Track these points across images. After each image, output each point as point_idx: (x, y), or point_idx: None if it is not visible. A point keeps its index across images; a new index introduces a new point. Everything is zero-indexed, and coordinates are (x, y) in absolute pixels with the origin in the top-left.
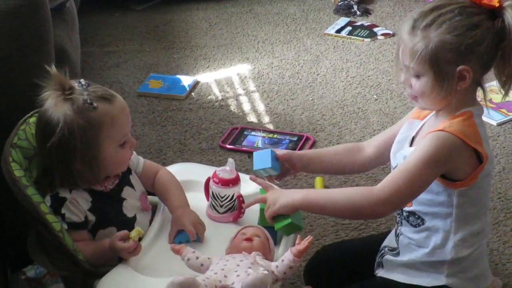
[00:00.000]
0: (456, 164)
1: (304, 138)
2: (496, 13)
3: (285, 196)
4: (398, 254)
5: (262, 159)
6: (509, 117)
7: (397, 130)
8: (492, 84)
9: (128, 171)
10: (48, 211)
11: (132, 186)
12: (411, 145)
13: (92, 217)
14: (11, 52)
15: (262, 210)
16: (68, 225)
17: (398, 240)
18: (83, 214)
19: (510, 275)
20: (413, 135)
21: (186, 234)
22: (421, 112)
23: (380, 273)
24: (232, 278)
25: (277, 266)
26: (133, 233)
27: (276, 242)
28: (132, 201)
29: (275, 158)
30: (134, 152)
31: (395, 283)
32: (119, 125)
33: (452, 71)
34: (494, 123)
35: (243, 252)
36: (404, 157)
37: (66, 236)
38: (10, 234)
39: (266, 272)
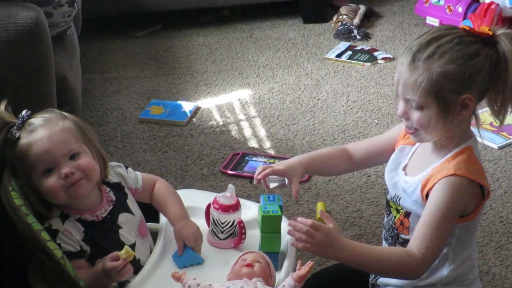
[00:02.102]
0: (466, 204)
1: None
2: (488, 41)
3: (333, 249)
4: None
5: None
6: (510, 141)
7: (380, 143)
8: None
9: (124, 195)
10: (49, 238)
11: (130, 211)
12: (405, 173)
13: (86, 247)
14: (12, 81)
15: (263, 235)
16: (66, 255)
17: None
18: (78, 244)
19: None
20: (406, 162)
21: (191, 256)
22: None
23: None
24: None
25: None
26: (122, 252)
27: (277, 268)
28: (130, 227)
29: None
30: (130, 169)
31: None
32: (33, 155)
33: (455, 100)
34: (495, 146)
35: (244, 278)
36: (404, 189)
37: (68, 263)
38: (10, 262)
39: None
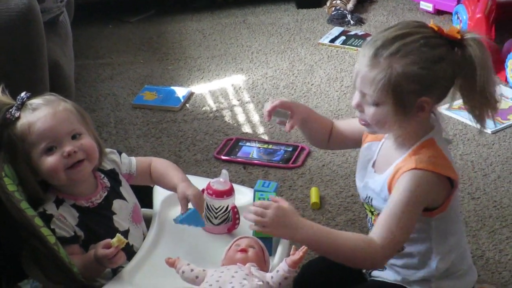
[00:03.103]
0: (434, 196)
1: (299, 148)
2: (456, 44)
3: (288, 228)
4: (385, 268)
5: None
6: (503, 125)
7: (352, 128)
8: None
9: (118, 182)
10: (42, 224)
11: (123, 198)
12: (374, 169)
13: (80, 233)
14: (5, 67)
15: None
16: (59, 240)
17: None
18: (72, 229)
19: (506, 284)
20: (375, 159)
21: (193, 216)
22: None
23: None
24: None
25: (272, 277)
26: (114, 240)
27: (271, 253)
28: (124, 214)
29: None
30: (124, 154)
31: (387, 285)
32: (35, 133)
33: (413, 101)
34: (489, 131)
35: (238, 264)
36: (373, 189)
37: (61, 249)
38: (5, 248)
39: (261, 283)
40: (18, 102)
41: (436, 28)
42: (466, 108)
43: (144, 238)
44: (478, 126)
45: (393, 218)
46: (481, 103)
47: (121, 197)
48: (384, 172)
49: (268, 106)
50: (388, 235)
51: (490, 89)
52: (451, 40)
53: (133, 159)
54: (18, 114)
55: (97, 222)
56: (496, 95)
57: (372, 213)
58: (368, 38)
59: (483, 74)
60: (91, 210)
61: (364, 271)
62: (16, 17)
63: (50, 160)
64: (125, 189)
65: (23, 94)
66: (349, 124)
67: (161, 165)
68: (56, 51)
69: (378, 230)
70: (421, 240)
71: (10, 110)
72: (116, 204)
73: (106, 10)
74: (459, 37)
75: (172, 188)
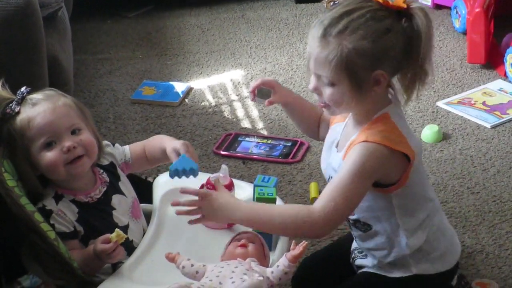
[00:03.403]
0: (386, 171)
1: (299, 143)
2: (402, 14)
3: (225, 212)
4: (366, 256)
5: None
6: (502, 120)
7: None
8: (486, 87)
9: (117, 177)
10: (42, 220)
11: (122, 193)
12: (337, 149)
13: (80, 228)
14: (4, 62)
15: None
16: (59, 235)
17: (360, 245)
18: (71, 224)
19: (506, 278)
20: (338, 139)
21: (184, 160)
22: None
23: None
24: (227, 284)
25: (272, 272)
26: (113, 235)
27: (271, 248)
28: (123, 209)
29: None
30: (117, 144)
31: (372, 275)
32: (35, 127)
33: (367, 76)
34: (488, 125)
35: (238, 259)
36: (333, 168)
37: (61, 244)
38: (5, 243)
39: (261, 278)
40: (18, 97)
41: (381, 1)
42: (397, 77)
43: (144, 234)
44: (404, 96)
45: (338, 188)
46: (415, 73)
47: (120, 192)
48: (342, 150)
49: (251, 86)
50: (329, 204)
51: (429, 60)
52: (398, 11)
53: (126, 147)
54: (18, 109)
55: (96, 217)
56: (431, 68)
57: None
58: (316, 20)
59: (427, 43)
60: (90, 205)
61: (351, 260)
62: (14, 12)
63: (50, 155)
64: (124, 184)
65: (23, 89)
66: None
67: (153, 141)
68: (55, 46)
69: (320, 200)
70: (385, 217)
71: (10, 104)
72: (115, 199)
73: (105, 5)
74: (405, 6)
75: (163, 153)
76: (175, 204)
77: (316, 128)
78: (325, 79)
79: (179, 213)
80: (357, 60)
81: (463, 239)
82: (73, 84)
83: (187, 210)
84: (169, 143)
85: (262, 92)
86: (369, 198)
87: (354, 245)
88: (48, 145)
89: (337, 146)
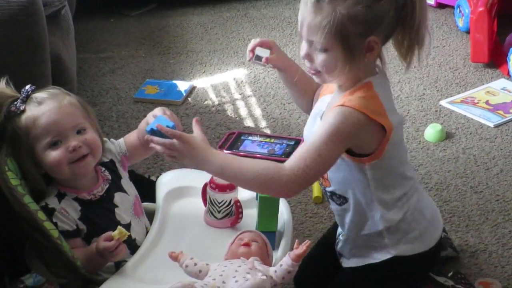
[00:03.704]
0: (361, 139)
1: (301, 142)
2: None
3: (196, 159)
4: (346, 241)
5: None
6: (506, 119)
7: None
8: (489, 86)
9: (118, 175)
10: (45, 218)
11: (124, 191)
12: (321, 119)
13: (82, 226)
14: (7, 61)
15: (260, 215)
16: (62, 234)
17: (338, 221)
18: (74, 223)
19: (509, 278)
20: (324, 110)
21: (160, 119)
22: (331, 86)
23: (343, 262)
24: (230, 283)
25: (275, 271)
26: (115, 233)
27: (274, 247)
28: (125, 207)
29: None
30: (112, 139)
31: (354, 270)
32: (41, 126)
33: (361, 43)
34: (491, 124)
35: (241, 258)
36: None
37: (64, 243)
38: (8, 242)
39: (264, 277)
40: (23, 95)
41: None
42: (394, 44)
43: (146, 232)
44: (404, 63)
45: (310, 148)
46: (412, 40)
47: (122, 190)
48: None
49: (250, 45)
50: (300, 163)
51: (424, 26)
52: None
53: (121, 139)
54: (23, 107)
55: (99, 215)
56: (426, 34)
57: None
58: None
59: (421, 9)
60: (93, 203)
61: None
62: (18, 10)
63: (54, 154)
64: (126, 182)
65: (27, 87)
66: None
67: (141, 124)
68: (58, 45)
69: (291, 158)
70: (360, 189)
71: (15, 103)
72: (118, 197)
73: (108, 4)
74: None
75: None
76: (149, 140)
77: (310, 101)
78: (317, 45)
79: (153, 149)
80: (351, 26)
81: (466, 238)
82: (76, 82)
83: (160, 149)
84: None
85: (260, 54)
86: (345, 169)
87: (339, 230)
88: (54, 144)
89: (321, 117)
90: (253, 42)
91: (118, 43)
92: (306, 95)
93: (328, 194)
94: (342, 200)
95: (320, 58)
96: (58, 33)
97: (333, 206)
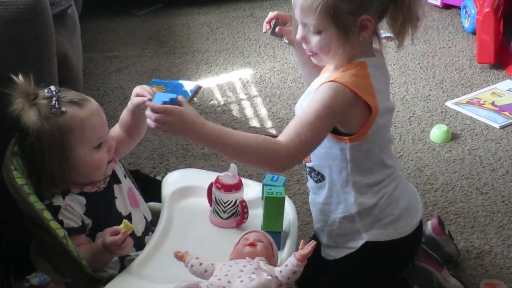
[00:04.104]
0: (348, 116)
1: None
2: None
3: (190, 132)
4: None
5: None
6: (511, 120)
7: None
8: (495, 87)
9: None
10: (50, 217)
11: (120, 182)
12: None
13: (88, 221)
14: (14, 60)
15: (265, 215)
16: (67, 231)
17: (311, 201)
18: (79, 218)
19: None
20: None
21: (160, 96)
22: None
23: (323, 252)
24: (235, 283)
25: (280, 271)
26: (121, 226)
27: (280, 247)
28: (123, 198)
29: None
30: None
31: (335, 262)
32: (90, 128)
33: (353, 22)
34: (497, 126)
35: (246, 258)
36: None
37: (70, 242)
38: (14, 241)
39: (269, 277)
40: (55, 98)
41: None
42: (388, 22)
43: (145, 222)
44: (397, 42)
45: (303, 123)
46: (405, 17)
47: (119, 181)
48: None
49: (268, 17)
50: (295, 138)
51: (419, 4)
52: None
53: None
54: (64, 109)
55: (102, 207)
56: (420, 11)
57: None
58: None
59: None
60: (98, 194)
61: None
62: (25, 9)
63: (101, 155)
64: (120, 175)
65: (53, 87)
66: None
67: (122, 114)
68: (65, 44)
69: (285, 133)
70: (337, 169)
71: (52, 103)
72: (116, 189)
73: (114, 4)
74: None
75: (129, 110)
76: (146, 115)
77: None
78: (311, 27)
79: (149, 123)
80: (342, 6)
81: (472, 239)
82: (82, 82)
83: (153, 124)
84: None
85: (277, 24)
86: (326, 145)
87: (315, 216)
88: (99, 145)
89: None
90: (270, 14)
91: (124, 42)
92: (317, 74)
93: (308, 169)
94: (319, 177)
95: (315, 39)
96: (65, 32)
97: (310, 183)
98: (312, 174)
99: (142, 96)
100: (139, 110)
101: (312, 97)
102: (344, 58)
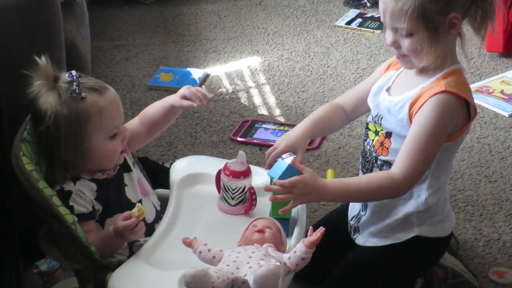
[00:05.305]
0: (455, 122)
1: None
2: None
3: (316, 195)
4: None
5: (277, 168)
6: None
7: (369, 84)
8: (505, 75)
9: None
10: (60, 203)
11: (130, 170)
12: (388, 93)
13: (98, 206)
14: (22, 47)
15: (274, 202)
16: (77, 217)
17: None
18: (90, 204)
19: None
20: (389, 85)
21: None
22: (394, 64)
23: (357, 239)
24: (244, 270)
25: (289, 258)
26: (134, 210)
27: (288, 234)
28: (133, 186)
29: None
30: None
31: (372, 249)
32: (108, 117)
33: (443, 21)
34: (506, 114)
35: (255, 244)
36: (386, 108)
37: (79, 228)
38: (23, 227)
39: (278, 263)
40: (75, 82)
41: None
42: (467, 19)
43: (155, 210)
44: (479, 37)
45: (416, 149)
46: (486, 11)
47: (128, 170)
48: (404, 94)
49: (267, 164)
50: (409, 165)
51: None
52: None
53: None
54: (84, 94)
55: (113, 193)
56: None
57: (377, 133)
58: None
59: None
60: (108, 181)
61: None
62: None
63: (116, 144)
64: (130, 163)
65: (74, 72)
66: (351, 95)
67: (148, 110)
68: (73, 32)
69: (400, 162)
70: None
71: (73, 88)
72: (126, 177)
73: None
74: None
75: (165, 110)
76: (267, 189)
77: (344, 117)
78: (402, 31)
79: (271, 199)
80: (431, 6)
81: (480, 227)
82: (90, 70)
83: (281, 198)
84: (168, 99)
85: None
86: None
87: (357, 206)
88: (114, 135)
89: (387, 90)
90: (268, 160)
91: (132, 31)
92: (340, 123)
93: (380, 162)
94: None
95: (406, 43)
96: (73, 20)
97: None
98: (385, 167)
99: (190, 99)
100: (174, 110)
101: (421, 115)
102: (435, 57)
